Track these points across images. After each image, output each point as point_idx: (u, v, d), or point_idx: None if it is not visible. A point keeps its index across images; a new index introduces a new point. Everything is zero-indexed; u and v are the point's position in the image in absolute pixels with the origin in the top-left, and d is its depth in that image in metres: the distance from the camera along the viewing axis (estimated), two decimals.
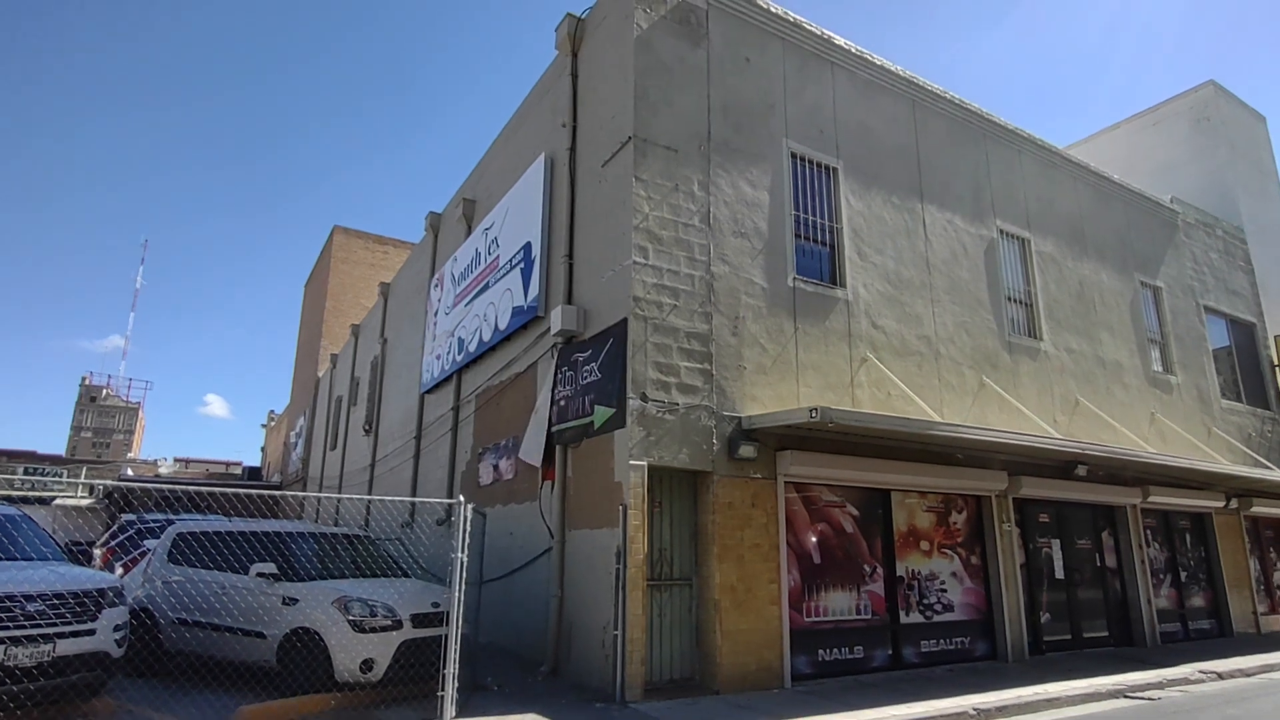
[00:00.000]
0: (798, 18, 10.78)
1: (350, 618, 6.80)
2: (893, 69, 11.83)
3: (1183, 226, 16.55)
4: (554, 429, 9.62)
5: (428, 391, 15.47)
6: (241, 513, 12.36)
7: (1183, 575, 13.96)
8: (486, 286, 12.65)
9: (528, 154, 11.92)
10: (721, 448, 8.58)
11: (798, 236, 10.10)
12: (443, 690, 6.30)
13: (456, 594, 6.51)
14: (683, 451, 8.30)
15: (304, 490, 29.29)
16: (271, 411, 49.23)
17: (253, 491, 6.75)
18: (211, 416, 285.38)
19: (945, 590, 10.38)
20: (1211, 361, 16.05)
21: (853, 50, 11.35)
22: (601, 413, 8.53)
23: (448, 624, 6.49)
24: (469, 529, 6.81)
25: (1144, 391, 14.18)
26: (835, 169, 10.68)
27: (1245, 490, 14.46)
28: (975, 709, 7.46)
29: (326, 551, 8.43)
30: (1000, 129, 13.29)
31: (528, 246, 11.13)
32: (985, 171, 12.81)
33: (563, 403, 9.51)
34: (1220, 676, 9.92)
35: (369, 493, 19.32)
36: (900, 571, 9.96)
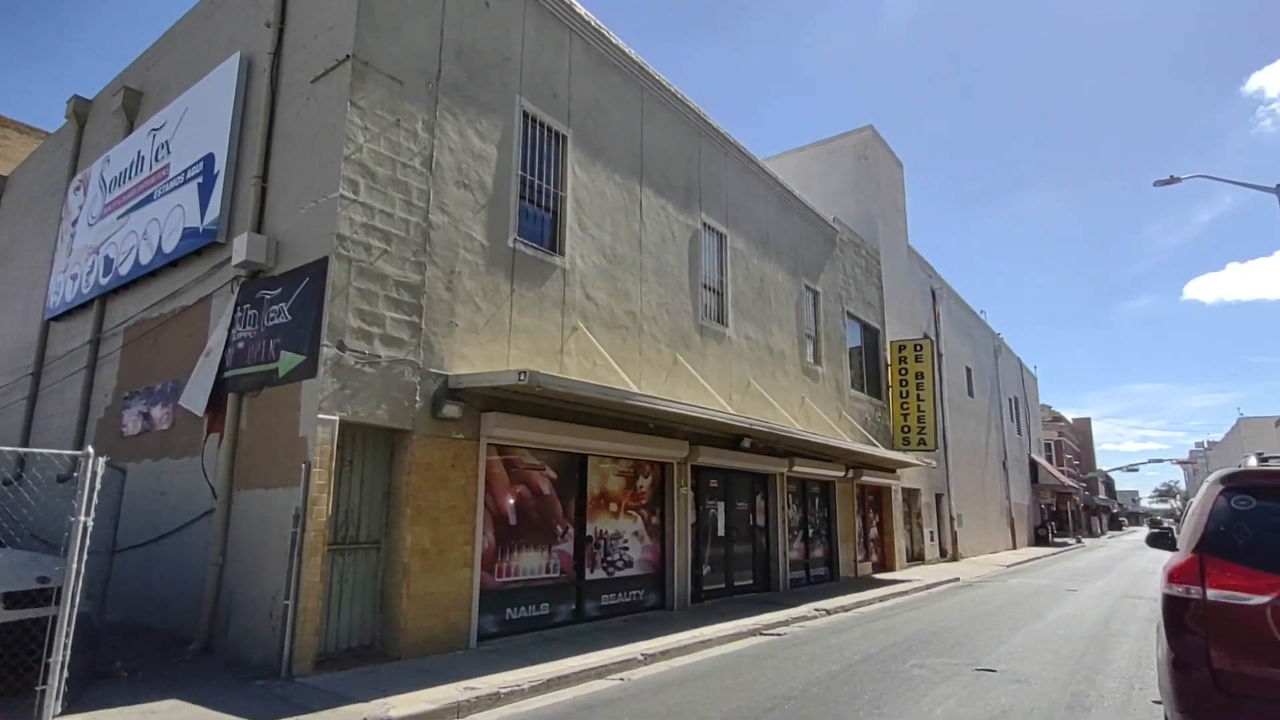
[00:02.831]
0: None
1: None
2: (627, 51, 12.22)
3: (839, 243, 19.77)
4: (227, 374, 8.37)
5: (56, 318, 12.48)
6: None
7: (810, 532, 16.86)
8: (150, 199, 10.52)
9: (218, 49, 10.10)
10: (425, 406, 8.20)
11: (522, 198, 9.99)
12: (44, 683, 5.14)
13: (74, 565, 5.34)
14: (381, 407, 7.77)
15: None
16: None
17: None
18: None
19: (627, 548, 11.22)
20: (848, 357, 19.49)
21: (592, 22, 11.49)
22: (289, 359, 7.61)
23: (59, 602, 5.30)
24: (98, 487, 5.61)
25: (798, 378, 16.72)
26: (565, 136, 10.75)
27: (860, 463, 17.89)
28: (643, 654, 8.18)
29: None
30: (713, 130, 14.52)
31: (209, 159, 9.46)
32: (697, 167, 13.92)
33: (241, 345, 8.30)
34: (829, 612, 12.17)
35: None
36: (590, 531, 10.52)
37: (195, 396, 8.64)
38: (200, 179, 9.54)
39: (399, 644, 7.64)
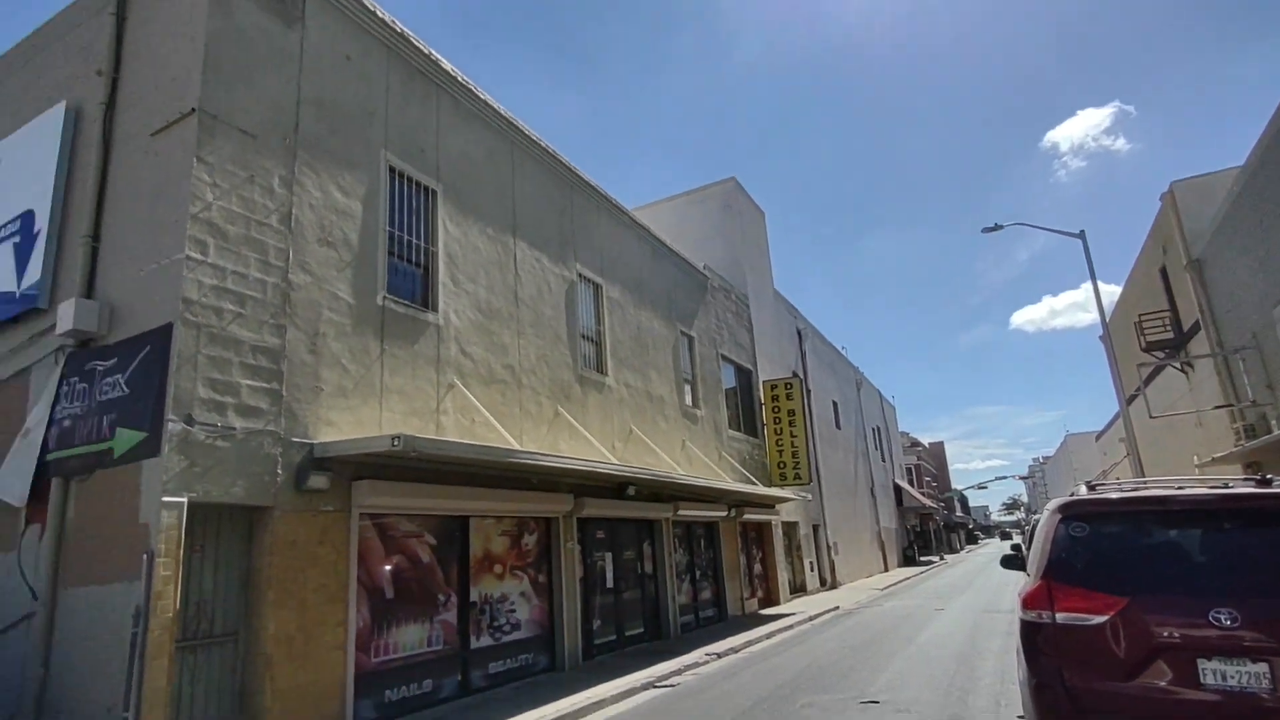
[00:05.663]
0: (405, 30, 10.46)
1: None
2: (495, 106, 12.26)
3: (711, 289, 20.50)
4: (50, 457, 7.44)
5: None
6: None
7: (697, 574, 16.99)
8: None
9: (40, 97, 9.21)
10: (288, 479, 7.62)
11: (391, 254, 9.68)
12: None
13: None
14: (238, 484, 7.15)
15: None
16: None
17: None
18: None
19: (514, 610, 10.83)
20: (724, 399, 20.08)
21: (459, 78, 11.46)
22: (127, 437, 6.87)
23: None
24: None
25: (678, 422, 17.01)
26: (435, 191, 10.57)
27: (741, 501, 18.34)
28: None
29: None
30: (584, 183, 14.76)
31: (28, 217, 8.53)
32: (570, 219, 14.06)
33: (68, 423, 7.42)
34: (720, 656, 12.23)
35: None
36: (474, 597, 10.08)
37: (11, 484, 7.60)
38: (17, 238, 8.57)
39: None
